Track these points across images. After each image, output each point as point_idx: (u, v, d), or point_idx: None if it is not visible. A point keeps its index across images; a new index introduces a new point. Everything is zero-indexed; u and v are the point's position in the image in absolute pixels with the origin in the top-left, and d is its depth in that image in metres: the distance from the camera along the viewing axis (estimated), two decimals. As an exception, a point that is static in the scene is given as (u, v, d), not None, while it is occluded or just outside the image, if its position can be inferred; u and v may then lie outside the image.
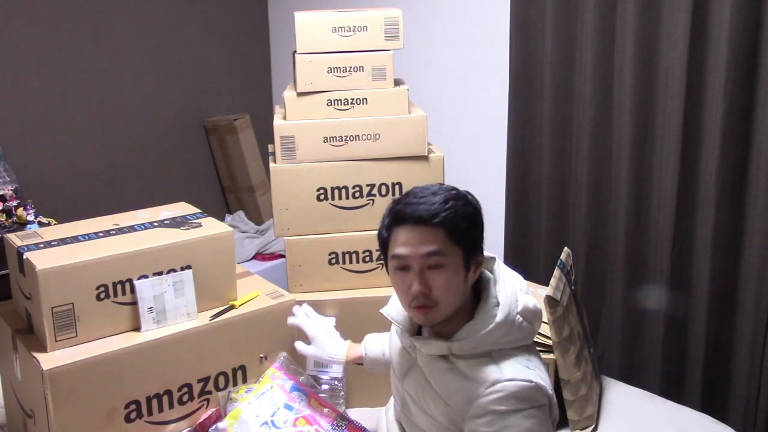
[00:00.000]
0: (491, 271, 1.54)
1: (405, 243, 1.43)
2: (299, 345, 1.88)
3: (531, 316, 1.48)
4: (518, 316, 1.45)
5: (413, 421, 1.58)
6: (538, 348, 1.60)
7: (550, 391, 1.44)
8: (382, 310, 1.63)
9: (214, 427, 1.83)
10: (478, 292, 1.52)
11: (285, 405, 1.83)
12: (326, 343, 1.86)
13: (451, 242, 1.41)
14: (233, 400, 1.87)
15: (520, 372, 1.41)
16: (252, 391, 1.88)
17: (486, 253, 1.53)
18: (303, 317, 1.94)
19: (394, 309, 1.61)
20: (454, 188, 1.49)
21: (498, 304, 1.46)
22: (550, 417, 1.45)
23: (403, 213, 1.44)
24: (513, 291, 1.48)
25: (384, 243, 1.50)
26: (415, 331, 1.58)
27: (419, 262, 1.42)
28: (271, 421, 1.80)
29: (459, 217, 1.42)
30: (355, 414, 1.99)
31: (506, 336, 1.44)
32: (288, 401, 1.84)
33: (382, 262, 2.30)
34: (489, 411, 1.38)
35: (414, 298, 1.44)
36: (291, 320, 1.93)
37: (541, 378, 1.43)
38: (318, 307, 2.24)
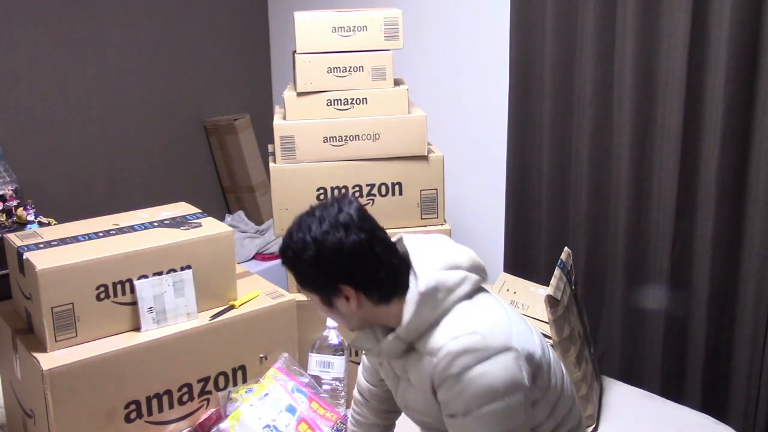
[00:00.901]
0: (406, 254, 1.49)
1: None
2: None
3: (459, 266, 1.43)
4: (441, 273, 1.40)
5: (419, 424, 1.58)
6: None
7: (509, 335, 1.37)
8: (349, 343, 1.68)
9: (215, 428, 1.83)
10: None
11: (288, 407, 1.83)
12: None
13: (300, 285, 1.47)
14: (233, 400, 1.87)
15: (459, 327, 1.36)
16: (253, 391, 1.88)
17: (393, 239, 1.49)
18: None
19: (364, 337, 1.54)
20: (317, 229, 1.40)
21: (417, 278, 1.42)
22: (519, 364, 1.37)
23: None
24: (425, 256, 1.44)
25: None
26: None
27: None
28: (274, 426, 1.80)
29: (298, 267, 1.44)
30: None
31: (442, 298, 1.39)
32: (291, 402, 1.84)
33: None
34: (445, 377, 1.35)
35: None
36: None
37: (489, 324, 1.37)
38: (318, 307, 2.24)
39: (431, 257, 1.44)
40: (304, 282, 1.46)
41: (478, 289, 1.45)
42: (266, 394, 1.86)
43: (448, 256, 1.45)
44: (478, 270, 1.46)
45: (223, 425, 1.82)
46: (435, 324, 1.39)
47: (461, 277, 1.42)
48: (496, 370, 1.33)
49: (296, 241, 1.41)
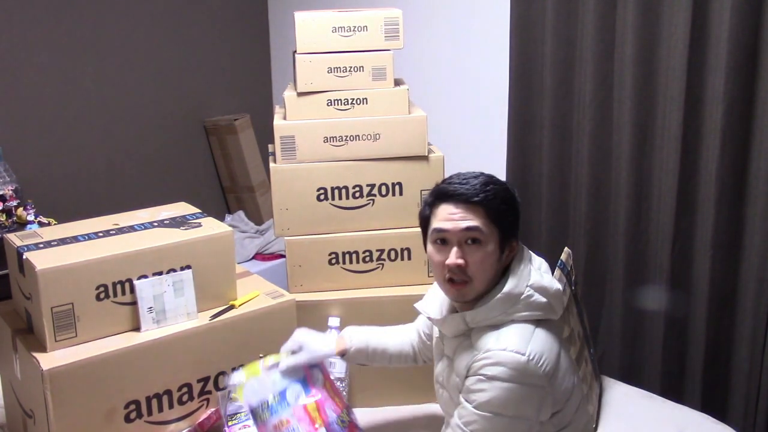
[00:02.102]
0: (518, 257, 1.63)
1: (446, 218, 1.54)
2: (288, 360, 1.75)
3: (545, 292, 1.53)
4: (528, 288, 1.51)
5: (443, 404, 1.68)
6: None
7: (549, 369, 1.47)
8: (416, 305, 1.72)
9: (229, 382, 1.81)
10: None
11: (302, 382, 1.81)
12: (312, 342, 1.80)
13: (489, 221, 1.51)
14: (233, 400, 1.87)
15: (516, 344, 1.46)
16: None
17: None
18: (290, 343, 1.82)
19: (428, 303, 1.73)
20: (494, 176, 1.59)
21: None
22: (544, 400, 1.49)
23: (446, 191, 1.55)
24: (528, 268, 1.55)
25: (425, 219, 1.60)
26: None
27: (458, 236, 1.52)
28: (283, 393, 1.78)
29: (498, 200, 1.53)
30: (357, 414, 1.98)
31: (515, 307, 1.51)
32: (306, 378, 1.82)
33: (383, 262, 2.33)
34: (478, 373, 1.47)
35: (450, 270, 1.53)
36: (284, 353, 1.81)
37: (539, 353, 1.46)
38: (318, 307, 2.24)
39: (528, 269, 1.56)
40: (501, 215, 1.53)
41: (547, 320, 1.55)
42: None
43: (544, 279, 1.56)
44: (558, 305, 1.56)
45: (236, 376, 1.80)
46: (496, 327, 1.51)
47: (543, 304, 1.53)
48: (519, 396, 1.46)
49: (491, 180, 1.55)
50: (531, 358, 1.45)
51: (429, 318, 1.67)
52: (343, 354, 1.85)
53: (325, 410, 1.79)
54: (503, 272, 1.57)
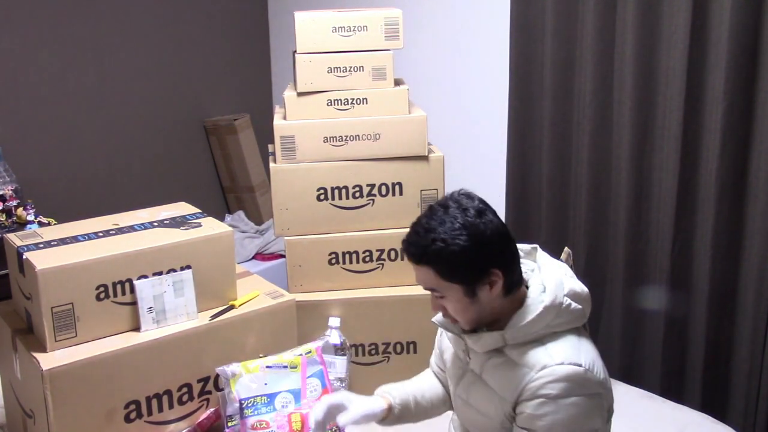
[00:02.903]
0: (534, 261, 1.58)
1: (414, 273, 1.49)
2: (342, 418, 1.58)
3: (578, 298, 1.50)
4: (566, 298, 1.47)
5: (468, 423, 1.60)
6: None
7: (602, 375, 1.45)
8: (434, 319, 1.61)
9: (225, 368, 1.81)
10: (527, 280, 1.54)
11: (296, 392, 1.82)
12: (357, 399, 1.63)
13: (441, 278, 1.43)
14: (232, 400, 1.87)
15: (570, 356, 1.41)
16: (275, 358, 1.85)
17: (525, 245, 1.58)
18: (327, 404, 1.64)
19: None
20: (461, 216, 1.42)
21: (545, 290, 1.48)
22: (603, 405, 1.45)
23: (403, 244, 1.49)
24: (558, 275, 1.50)
25: None
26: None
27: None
28: (272, 397, 1.79)
29: (447, 257, 1.41)
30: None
31: (557, 319, 1.46)
32: (300, 389, 1.82)
33: (382, 262, 2.33)
34: (538, 395, 1.39)
35: (433, 310, 1.52)
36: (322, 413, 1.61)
37: (591, 361, 1.43)
38: (318, 307, 2.24)
39: (561, 277, 1.50)
40: (452, 272, 1.43)
41: (583, 327, 1.52)
42: (285, 366, 1.84)
43: (575, 285, 1.51)
44: (588, 309, 1.53)
45: (234, 367, 1.80)
46: (539, 340, 1.44)
47: (579, 311, 1.49)
48: (586, 409, 1.41)
49: (446, 230, 1.41)
50: (588, 367, 1.41)
51: (459, 334, 1.54)
52: (388, 411, 1.64)
53: (308, 426, 1.79)
54: (513, 286, 1.48)
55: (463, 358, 1.58)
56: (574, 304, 1.47)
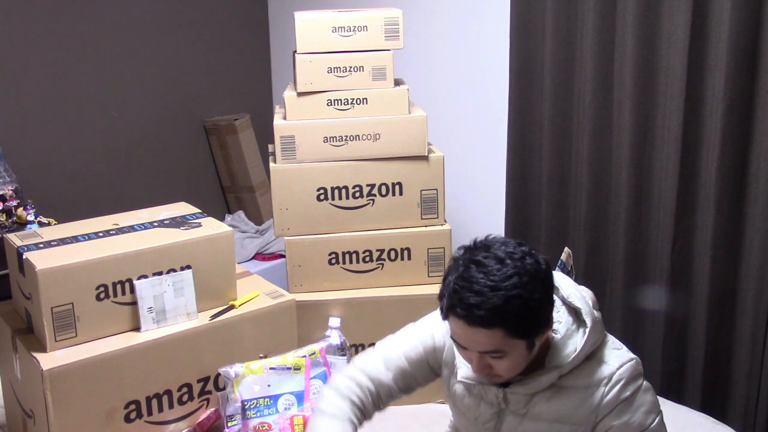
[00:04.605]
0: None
1: (461, 336, 1.34)
2: None
3: (595, 303, 1.48)
4: (594, 310, 1.44)
5: None
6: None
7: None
8: (461, 378, 1.47)
9: (228, 368, 1.81)
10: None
11: (299, 394, 1.82)
12: None
13: (511, 337, 1.30)
14: (233, 401, 1.87)
15: (621, 355, 1.42)
16: (279, 359, 1.85)
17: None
18: None
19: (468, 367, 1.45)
20: (519, 264, 1.30)
21: (575, 311, 1.42)
22: None
23: (457, 306, 1.30)
24: (577, 292, 1.44)
25: (441, 307, 1.37)
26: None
27: (478, 350, 1.34)
28: (275, 398, 1.79)
29: (522, 314, 1.28)
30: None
31: (599, 331, 1.43)
32: (303, 391, 1.82)
33: (382, 262, 2.33)
34: (618, 402, 1.38)
35: (476, 371, 1.39)
36: None
37: (624, 348, 1.45)
38: (318, 307, 2.24)
39: (580, 293, 1.45)
40: (528, 328, 1.30)
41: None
42: (289, 368, 1.84)
43: (589, 294, 1.49)
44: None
45: (237, 368, 1.80)
46: (589, 357, 1.41)
47: (600, 315, 1.46)
48: (649, 385, 1.43)
49: (514, 284, 1.26)
50: (633, 355, 1.43)
51: (493, 389, 1.44)
52: None
53: None
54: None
55: (496, 404, 1.45)
56: (597, 312, 1.46)
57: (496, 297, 1.26)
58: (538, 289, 1.30)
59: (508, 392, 1.43)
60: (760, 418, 2.33)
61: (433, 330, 1.56)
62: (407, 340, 1.57)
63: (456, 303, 1.29)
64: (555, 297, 1.41)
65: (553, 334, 1.40)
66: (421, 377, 1.58)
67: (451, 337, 1.38)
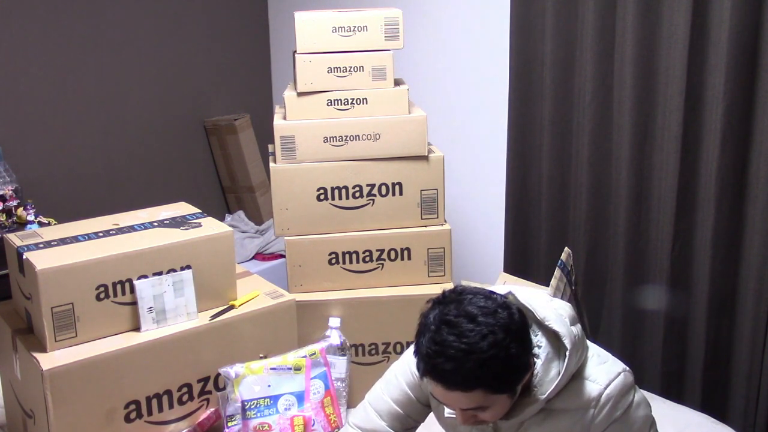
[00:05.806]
0: (519, 306, 1.39)
1: (441, 396, 1.32)
2: None
3: (573, 318, 1.41)
4: (573, 327, 1.38)
5: None
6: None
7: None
8: (447, 414, 1.44)
9: (229, 369, 1.80)
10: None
11: (299, 395, 1.82)
12: None
13: (492, 394, 1.28)
14: (233, 401, 1.87)
15: (608, 370, 1.39)
16: (279, 360, 1.85)
17: (500, 288, 1.41)
18: None
19: None
20: (492, 320, 1.26)
21: (554, 333, 1.37)
22: None
23: (432, 373, 1.28)
24: (552, 312, 1.38)
25: (418, 368, 1.34)
26: None
27: (459, 409, 1.33)
28: (276, 399, 1.79)
29: (500, 372, 1.25)
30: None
31: (579, 351, 1.38)
32: (303, 391, 1.83)
33: (382, 262, 2.33)
34: (611, 421, 1.37)
35: (462, 423, 1.37)
36: None
37: (612, 358, 1.43)
38: (318, 307, 2.24)
39: (557, 312, 1.39)
40: (507, 383, 1.28)
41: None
42: (290, 369, 1.85)
43: (565, 309, 1.41)
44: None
45: (237, 368, 1.80)
46: (575, 375, 1.37)
47: (580, 329, 1.41)
48: (640, 397, 1.41)
49: (490, 344, 1.22)
50: (622, 367, 1.40)
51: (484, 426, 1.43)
52: None
53: (310, 429, 1.79)
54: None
55: (485, 428, 1.45)
56: (576, 328, 1.39)
57: (470, 361, 1.22)
58: (514, 343, 1.26)
59: (498, 421, 1.41)
60: (760, 418, 2.33)
61: (410, 367, 1.50)
62: (391, 385, 1.56)
63: (430, 369, 1.27)
64: (531, 323, 1.37)
65: (535, 359, 1.36)
66: (415, 414, 1.57)
67: (431, 394, 1.36)
